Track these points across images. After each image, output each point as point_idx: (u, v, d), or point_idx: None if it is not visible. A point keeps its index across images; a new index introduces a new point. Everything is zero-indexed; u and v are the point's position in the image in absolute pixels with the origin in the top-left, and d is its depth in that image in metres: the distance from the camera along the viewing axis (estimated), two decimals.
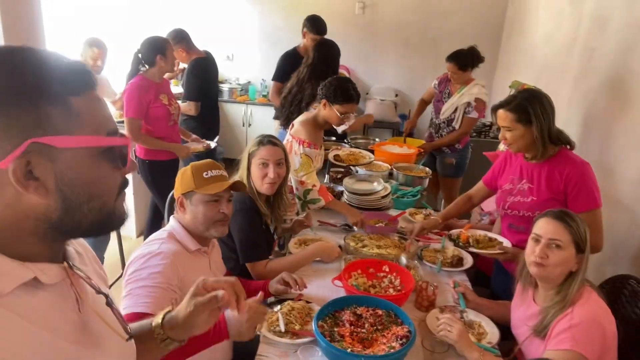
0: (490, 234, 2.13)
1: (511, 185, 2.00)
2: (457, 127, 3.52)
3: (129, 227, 3.90)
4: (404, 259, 2.00)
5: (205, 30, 5.17)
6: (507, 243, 2.01)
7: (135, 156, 3.20)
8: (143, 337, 0.88)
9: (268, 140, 2.04)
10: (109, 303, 0.73)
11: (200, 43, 3.98)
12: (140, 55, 3.06)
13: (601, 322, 1.39)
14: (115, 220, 0.69)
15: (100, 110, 0.64)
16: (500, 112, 1.90)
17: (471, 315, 1.72)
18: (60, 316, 0.65)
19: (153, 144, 3.08)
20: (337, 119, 2.48)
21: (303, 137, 2.48)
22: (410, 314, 1.61)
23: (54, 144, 0.58)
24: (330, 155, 2.90)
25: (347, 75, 5.13)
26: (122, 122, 3.50)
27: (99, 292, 0.71)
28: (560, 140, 1.89)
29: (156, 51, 3.04)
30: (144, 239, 3.33)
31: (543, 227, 1.53)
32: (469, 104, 3.45)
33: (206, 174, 1.60)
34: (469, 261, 2.11)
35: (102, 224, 0.67)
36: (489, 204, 2.47)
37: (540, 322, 1.50)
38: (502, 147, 2.64)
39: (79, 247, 0.80)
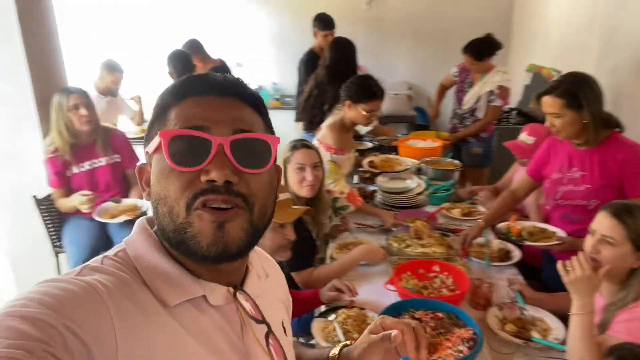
0: (539, 224, 2.08)
1: (560, 174, 1.94)
2: (480, 116, 3.45)
3: None
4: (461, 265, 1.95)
5: (211, 40, 5.13)
6: (560, 232, 1.96)
7: None
8: None
9: (302, 145, 2.01)
10: (269, 334, 0.69)
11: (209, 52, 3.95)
12: (174, 69, 3.06)
13: None
14: (190, 240, 0.60)
15: (187, 112, 0.63)
16: (547, 98, 1.82)
17: (531, 311, 1.67)
18: (223, 339, 0.65)
19: None
20: (363, 118, 2.44)
21: (330, 143, 2.44)
22: (468, 314, 1.57)
23: (148, 150, 0.66)
24: (365, 162, 2.83)
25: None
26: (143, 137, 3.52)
27: (259, 322, 0.68)
28: (611, 123, 1.83)
29: (190, 64, 3.08)
30: None
31: (599, 221, 1.49)
32: (492, 92, 3.37)
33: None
34: (516, 254, 2.07)
35: (179, 239, 0.61)
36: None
37: (603, 318, 1.45)
38: (523, 136, 2.56)
39: (265, 270, 0.80)
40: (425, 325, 1.52)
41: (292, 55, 5.40)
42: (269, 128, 0.71)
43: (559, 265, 1.43)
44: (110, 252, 0.64)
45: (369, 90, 2.40)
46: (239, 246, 0.62)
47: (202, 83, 0.65)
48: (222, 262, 0.63)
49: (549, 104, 1.82)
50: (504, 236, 2.10)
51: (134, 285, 0.60)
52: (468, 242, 2.05)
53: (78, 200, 2.46)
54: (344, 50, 3.32)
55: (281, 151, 2.08)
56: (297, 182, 1.97)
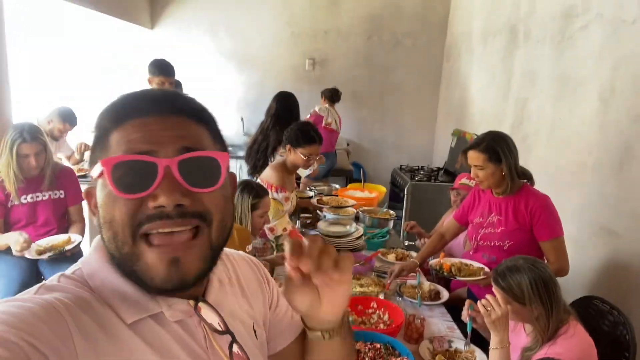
0: (464, 260, 2.29)
1: (481, 218, 2.19)
2: None
3: None
4: (381, 296, 2.09)
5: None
6: (485, 268, 2.16)
7: None
8: None
9: (265, 192, 2.16)
10: (232, 344, 0.67)
11: None
12: None
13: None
14: (141, 273, 0.59)
15: (129, 137, 0.59)
16: (472, 153, 2.08)
17: (470, 343, 1.79)
18: (186, 353, 0.64)
19: None
20: (302, 161, 2.64)
21: (272, 182, 2.59)
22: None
23: (91, 174, 0.62)
24: (314, 201, 3.08)
25: None
26: (84, 176, 3.41)
27: (222, 332, 0.66)
28: (525, 175, 2.12)
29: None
30: None
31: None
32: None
33: (248, 248, 1.80)
34: (444, 294, 2.24)
35: (129, 270, 0.60)
36: None
37: (521, 357, 1.62)
38: (464, 180, 2.85)
39: (228, 273, 0.76)
40: (365, 356, 1.62)
41: (237, 106, 5.61)
42: (217, 140, 0.67)
43: (480, 307, 1.58)
44: (67, 271, 0.64)
45: (307, 135, 2.61)
46: (196, 275, 0.61)
47: (141, 102, 0.62)
48: (179, 292, 0.62)
49: (474, 157, 2.08)
50: (436, 272, 2.28)
51: (93, 302, 0.59)
52: (396, 274, 2.22)
53: (14, 239, 2.32)
54: (287, 101, 3.60)
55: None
56: (259, 228, 2.11)
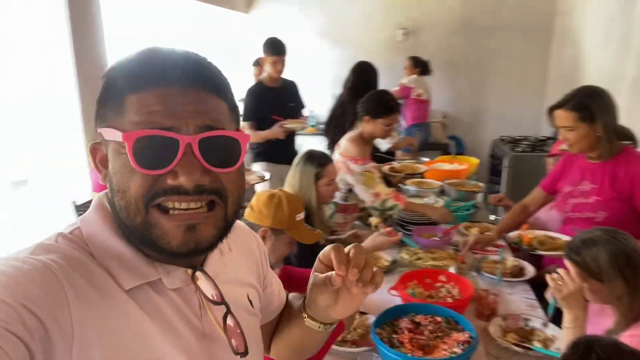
0: (550, 233, 2.05)
1: (571, 187, 1.93)
2: None
3: None
4: (452, 269, 1.96)
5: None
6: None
7: None
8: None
9: (328, 159, 2.15)
10: (226, 315, 0.67)
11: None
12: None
13: None
14: (157, 240, 0.59)
15: (149, 108, 0.57)
16: (560, 112, 1.83)
17: (550, 327, 1.62)
18: (181, 321, 0.64)
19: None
20: (382, 132, 2.55)
21: (355, 155, 2.54)
22: (471, 323, 1.57)
23: (103, 135, 0.61)
24: (386, 169, 3.03)
25: None
26: None
27: (216, 303, 0.66)
28: (625, 135, 1.81)
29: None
30: None
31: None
32: None
33: (298, 217, 1.66)
34: (530, 271, 2.04)
35: (143, 238, 0.59)
36: None
37: None
38: (564, 146, 2.57)
39: (228, 244, 0.74)
40: (424, 329, 1.54)
41: (328, 84, 5.62)
42: (234, 114, 0.65)
43: (550, 281, 1.40)
44: (65, 229, 0.63)
45: (387, 105, 2.51)
46: (211, 242, 0.62)
47: (163, 70, 0.58)
48: (192, 257, 0.63)
49: (562, 117, 1.82)
50: (515, 245, 2.08)
51: (91, 265, 0.58)
52: (470, 246, 2.07)
53: None
54: (366, 72, 3.50)
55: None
56: (328, 196, 2.10)
